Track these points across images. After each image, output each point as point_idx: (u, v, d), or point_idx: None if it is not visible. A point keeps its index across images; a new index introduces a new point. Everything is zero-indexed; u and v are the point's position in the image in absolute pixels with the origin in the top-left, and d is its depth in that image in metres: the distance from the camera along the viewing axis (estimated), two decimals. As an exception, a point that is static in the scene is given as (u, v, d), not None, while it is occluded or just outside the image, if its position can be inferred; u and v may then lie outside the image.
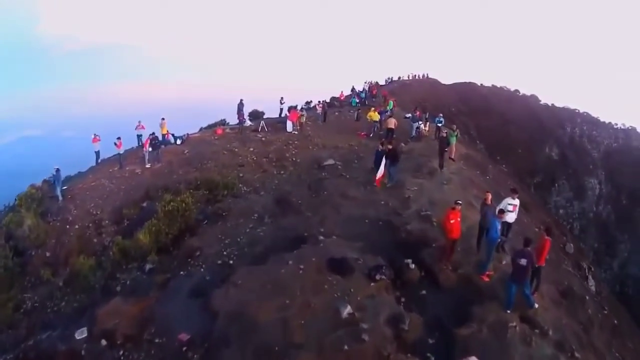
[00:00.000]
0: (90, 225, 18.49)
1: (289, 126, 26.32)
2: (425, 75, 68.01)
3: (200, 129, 34.00)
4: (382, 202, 15.52)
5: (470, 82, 76.53)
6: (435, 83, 68.42)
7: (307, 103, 42.20)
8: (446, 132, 20.78)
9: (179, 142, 24.75)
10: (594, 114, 79.81)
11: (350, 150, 23.21)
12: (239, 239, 13.67)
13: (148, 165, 21.61)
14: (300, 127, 27.25)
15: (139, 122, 24.02)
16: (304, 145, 23.88)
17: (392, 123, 25.13)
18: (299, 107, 37.08)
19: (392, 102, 29.77)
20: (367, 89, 42.74)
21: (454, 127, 21.75)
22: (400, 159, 17.93)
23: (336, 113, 33.17)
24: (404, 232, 13.50)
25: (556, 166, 59.78)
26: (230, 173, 20.03)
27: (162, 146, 23.66)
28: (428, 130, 26.27)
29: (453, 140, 20.81)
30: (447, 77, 76.23)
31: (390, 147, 17.39)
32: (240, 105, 28.61)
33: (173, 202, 15.12)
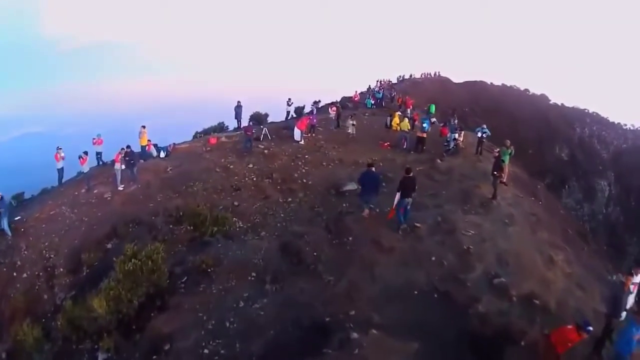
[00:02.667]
0: (41, 273, 14.30)
1: (297, 134, 21.74)
2: (437, 74, 65.58)
3: (195, 135, 29.55)
4: (433, 258, 11.01)
5: (480, 81, 74.31)
6: (446, 81, 65.40)
7: (315, 103, 37.62)
8: (498, 151, 16.29)
9: (162, 154, 20.27)
10: (603, 114, 78.78)
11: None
12: (227, 323, 9.22)
13: (121, 188, 17.18)
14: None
15: (98, 135, 19.61)
16: (316, 161, 19.28)
17: (424, 132, 20.67)
18: (307, 109, 32.71)
19: (433, 106, 25.11)
20: (379, 88, 38.57)
21: (508, 142, 17.17)
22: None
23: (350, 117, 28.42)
24: (475, 318, 9.00)
25: (566, 167, 57.44)
26: (222, 201, 15.60)
27: (142, 160, 19.28)
28: (463, 141, 21.60)
29: (506, 160, 16.36)
30: (457, 75, 73.52)
31: (408, 174, 12.47)
32: (238, 108, 24.15)
33: (135, 259, 10.65)
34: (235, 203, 15.41)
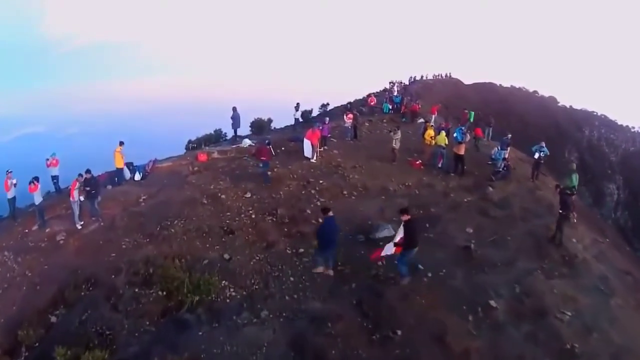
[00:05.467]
0: (-27, 353, 10.29)
1: (307, 149, 17.57)
2: (448, 75, 63.38)
3: (188, 145, 25.58)
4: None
5: (489, 82, 72.96)
6: (458, 83, 63.15)
7: (323, 106, 33.60)
8: (558, 185, 12.51)
9: (137, 176, 16.17)
10: (612, 117, 78.20)
11: (410, 196, 14.45)
12: None
13: (79, 226, 13.14)
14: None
15: (52, 155, 15.55)
16: (334, 188, 14.99)
17: (462, 149, 16.61)
18: (315, 112, 28.69)
19: (472, 114, 21.35)
20: (398, 92, 34.83)
21: (574, 165, 13.43)
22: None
23: (366, 124, 24.23)
24: None
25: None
26: (207, 251, 11.50)
27: (109, 187, 15.32)
28: (509, 159, 17.38)
29: (575, 185, 12.67)
30: (464, 76, 72.04)
31: (407, 216, 9.31)
32: (236, 115, 20.04)
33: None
34: (226, 256, 11.23)
